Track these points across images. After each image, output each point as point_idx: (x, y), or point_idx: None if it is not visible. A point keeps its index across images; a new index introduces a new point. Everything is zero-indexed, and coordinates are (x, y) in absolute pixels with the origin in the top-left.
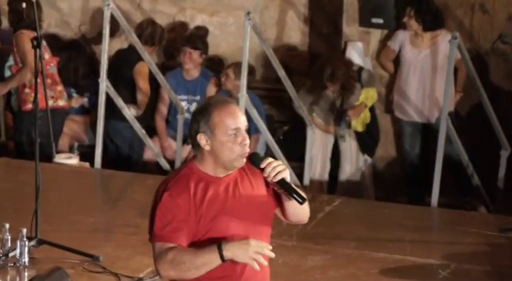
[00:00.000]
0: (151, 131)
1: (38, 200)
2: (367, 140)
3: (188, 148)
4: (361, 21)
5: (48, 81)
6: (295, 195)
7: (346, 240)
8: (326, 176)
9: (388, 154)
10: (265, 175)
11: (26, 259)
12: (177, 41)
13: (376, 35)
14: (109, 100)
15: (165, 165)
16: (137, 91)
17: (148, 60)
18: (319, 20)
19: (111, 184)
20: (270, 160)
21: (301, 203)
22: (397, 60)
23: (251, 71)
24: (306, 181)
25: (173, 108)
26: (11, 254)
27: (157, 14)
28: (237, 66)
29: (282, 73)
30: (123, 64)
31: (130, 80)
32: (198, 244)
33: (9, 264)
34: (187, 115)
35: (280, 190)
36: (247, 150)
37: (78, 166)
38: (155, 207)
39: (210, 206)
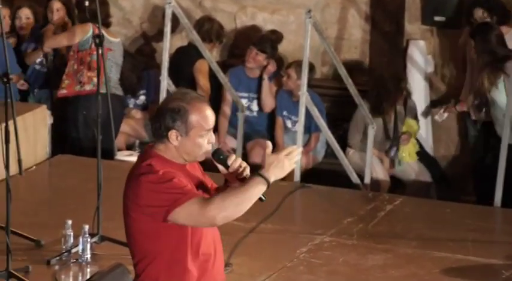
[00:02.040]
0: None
1: (100, 197)
2: (432, 169)
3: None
4: (423, 19)
5: (81, 67)
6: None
7: (407, 239)
8: (386, 175)
9: (450, 152)
10: (231, 171)
11: (88, 255)
12: (247, 41)
13: (439, 33)
14: None
15: None
16: (197, 88)
17: (209, 58)
18: (380, 18)
19: None
20: (234, 156)
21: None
22: (464, 59)
23: (311, 69)
24: (367, 180)
25: (233, 106)
26: (73, 251)
27: (218, 12)
28: (299, 65)
29: (343, 71)
30: (184, 61)
31: (190, 78)
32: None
33: (71, 260)
34: (247, 113)
35: (238, 184)
36: (210, 148)
37: None
38: (155, 188)
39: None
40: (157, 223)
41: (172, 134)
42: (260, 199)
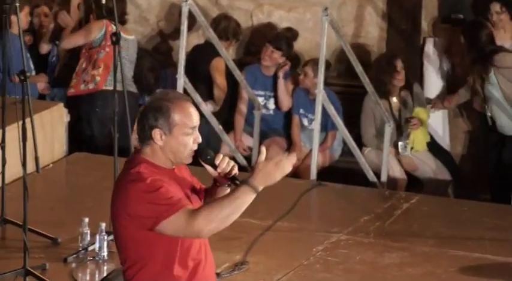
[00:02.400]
0: (228, 127)
1: None
2: (447, 165)
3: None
4: (440, 16)
5: (88, 65)
6: (238, 183)
7: (424, 237)
8: (403, 173)
9: (468, 150)
10: (219, 171)
11: (105, 253)
12: (263, 39)
13: (455, 30)
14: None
15: (242, 161)
16: (214, 87)
17: (226, 56)
18: (397, 16)
19: None
20: (222, 155)
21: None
22: None
23: (327, 66)
24: (384, 178)
25: (249, 104)
26: (90, 248)
27: (234, 10)
28: (315, 63)
29: (359, 69)
30: (200, 60)
31: (207, 76)
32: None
33: (88, 258)
34: (264, 111)
35: (227, 183)
36: (196, 148)
37: None
38: (143, 198)
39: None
40: (146, 230)
41: (156, 133)
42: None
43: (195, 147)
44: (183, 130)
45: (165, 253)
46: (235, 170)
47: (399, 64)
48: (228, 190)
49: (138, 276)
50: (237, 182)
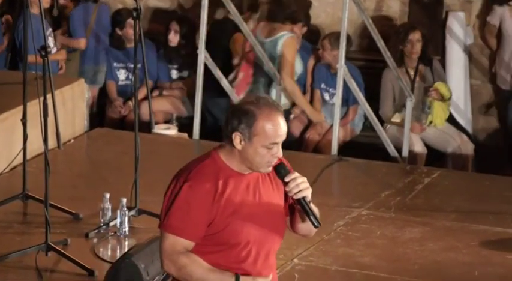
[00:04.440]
0: None
1: (137, 170)
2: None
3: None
4: None
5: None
6: (312, 218)
7: (446, 212)
8: (424, 148)
9: (490, 125)
10: (287, 189)
11: (126, 229)
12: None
13: (478, 4)
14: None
15: None
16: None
17: (246, 31)
18: None
19: None
20: (296, 174)
21: (315, 227)
22: (499, 34)
23: (348, 40)
24: (405, 153)
25: (271, 80)
26: (111, 224)
27: None
28: (332, 36)
29: (381, 44)
30: (220, 35)
31: (226, 51)
32: (211, 239)
33: (109, 233)
34: None
35: (298, 207)
36: (275, 161)
37: (176, 137)
38: (174, 197)
39: (229, 202)
40: None
41: (236, 137)
42: (314, 225)
43: (274, 160)
44: (262, 142)
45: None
46: (305, 193)
47: (416, 36)
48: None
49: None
50: (305, 206)
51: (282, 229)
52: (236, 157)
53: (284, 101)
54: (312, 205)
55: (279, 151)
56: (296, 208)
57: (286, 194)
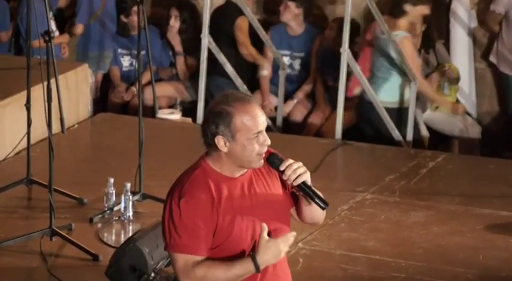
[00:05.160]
0: (253, 87)
1: (141, 155)
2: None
3: (292, 103)
4: None
5: None
6: (317, 200)
7: (450, 196)
8: (427, 132)
9: (493, 108)
10: (285, 178)
11: (131, 213)
12: None
13: None
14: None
15: (268, 121)
16: (238, 46)
17: (250, 15)
18: None
19: None
20: (290, 161)
21: (323, 209)
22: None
23: (357, 28)
24: (409, 136)
25: (275, 64)
26: (115, 209)
27: None
28: (338, 22)
29: (385, 27)
30: (224, 20)
31: (231, 36)
32: (220, 250)
33: (113, 218)
34: (289, 71)
35: (300, 193)
36: (265, 150)
37: (180, 122)
38: (172, 216)
39: (227, 209)
40: None
41: (220, 141)
42: (321, 207)
43: (264, 149)
44: (246, 136)
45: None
46: (304, 178)
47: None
48: (313, 204)
49: None
50: (307, 190)
51: (286, 221)
52: (224, 160)
53: None
54: (314, 189)
55: (266, 139)
56: (299, 196)
57: (284, 184)
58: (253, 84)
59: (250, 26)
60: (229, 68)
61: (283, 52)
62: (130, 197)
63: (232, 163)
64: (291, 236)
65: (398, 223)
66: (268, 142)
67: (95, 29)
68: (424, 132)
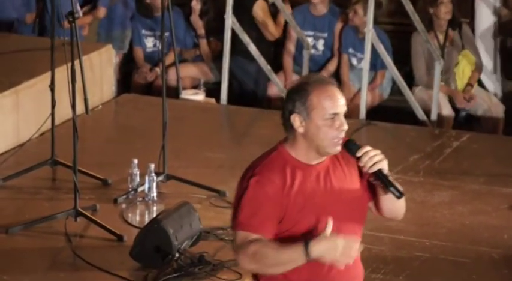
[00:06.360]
0: (276, 67)
1: (165, 136)
2: None
3: None
4: None
5: None
6: (392, 189)
7: (475, 175)
8: (452, 111)
9: None
10: (361, 165)
11: (155, 194)
12: None
13: None
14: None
15: None
16: (260, 27)
17: None
18: None
19: (238, 120)
20: (368, 148)
21: (398, 198)
22: None
23: (378, 5)
24: (434, 116)
25: (299, 44)
26: (139, 189)
27: None
28: (365, 2)
29: (409, 7)
30: (244, 1)
31: (251, 17)
32: (284, 238)
33: (138, 199)
34: (313, 51)
35: (376, 182)
36: (343, 136)
37: (204, 102)
38: (241, 194)
39: (299, 196)
40: None
41: (296, 119)
42: (396, 195)
43: (341, 135)
44: (322, 115)
45: None
46: (381, 165)
47: None
48: (389, 194)
49: None
50: (383, 178)
51: (360, 216)
52: (301, 145)
53: None
54: (390, 178)
55: (343, 124)
56: (376, 185)
57: (362, 176)
58: (276, 65)
59: (273, 6)
60: (252, 48)
61: (306, 32)
62: (155, 177)
63: (308, 147)
64: (354, 246)
65: (422, 203)
66: (345, 126)
67: (116, 9)
68: (448, 112)
